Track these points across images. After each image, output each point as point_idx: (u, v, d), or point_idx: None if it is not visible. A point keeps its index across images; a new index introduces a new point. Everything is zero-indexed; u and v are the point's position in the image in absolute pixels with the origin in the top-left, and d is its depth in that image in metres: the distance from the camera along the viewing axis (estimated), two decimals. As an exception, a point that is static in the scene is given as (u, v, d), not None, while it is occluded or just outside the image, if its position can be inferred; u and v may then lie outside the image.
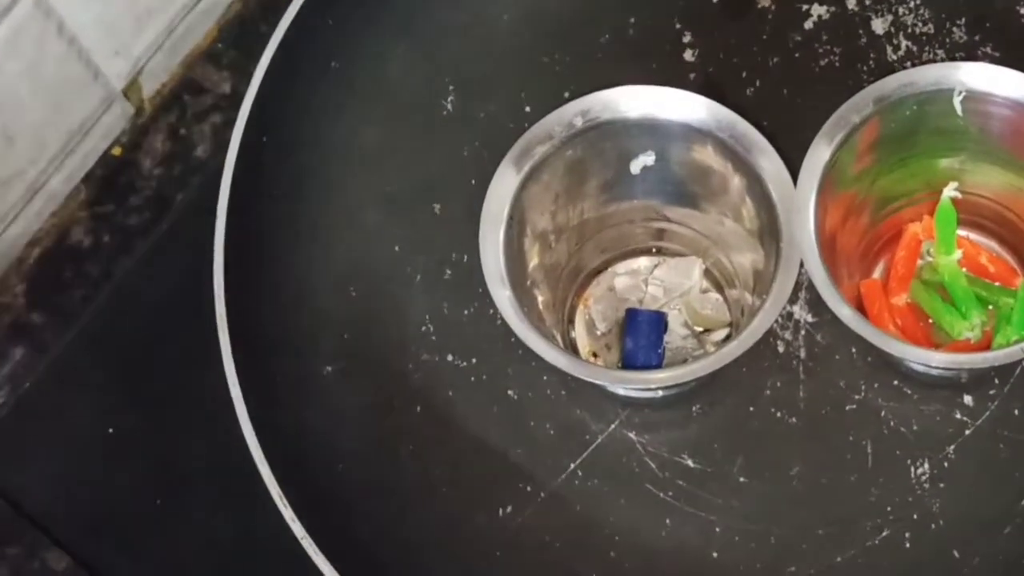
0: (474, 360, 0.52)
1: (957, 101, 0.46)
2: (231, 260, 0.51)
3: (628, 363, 0.52)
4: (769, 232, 0.47)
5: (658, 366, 0.52)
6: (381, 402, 0.51)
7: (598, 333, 0.54)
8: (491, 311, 0.50)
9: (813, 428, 0.50)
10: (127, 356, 0.55)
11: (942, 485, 0.48)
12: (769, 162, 0.47)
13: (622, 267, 0.54)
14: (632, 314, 0.53)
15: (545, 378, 0.51)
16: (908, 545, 0.48)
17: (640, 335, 0.52)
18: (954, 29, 0.52)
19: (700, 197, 0.51)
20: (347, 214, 0.54)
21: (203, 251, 0.51)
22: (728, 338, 0.52)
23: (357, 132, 0.55)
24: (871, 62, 0.53)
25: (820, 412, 0.50)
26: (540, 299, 0.51)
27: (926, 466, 0.49)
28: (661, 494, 0.49)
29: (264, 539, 0.49)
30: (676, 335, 0.53)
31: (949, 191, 0.49)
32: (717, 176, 0.49)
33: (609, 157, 0.50)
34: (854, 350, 0.50)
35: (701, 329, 0.53)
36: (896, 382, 0.49)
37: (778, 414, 0.50)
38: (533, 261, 0.50)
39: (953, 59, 0.51)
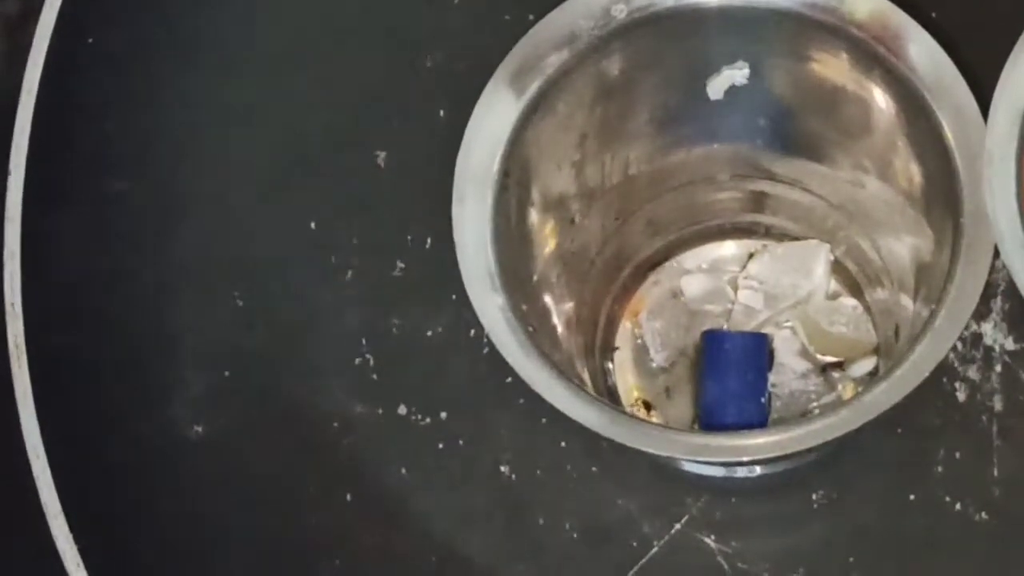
0: (443, 415, 0.54)
1: None
2: (30, 261, 0.55)
3: (707, 420, 0.55)
4: (942, 200, 0.49)
5: (759, 425, 0.54)
6: (284, 487, 0.54)
7: (654, 367, 0.56)
8: (472, 332, 0.53)
9: (1016, 529, 0.52)
10: None
11: None
12: (943, 81, 0.48)
13: (694, 258, 0.57)
14: (714, 339, 0.56)
15: (564, 445, 0.54)
16: None
17: (728, 373, 0.55)
18: None
19: (826, 141, 0.53)
20: (225, 175, 0.57)
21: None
22: (874, 374, 0.54)
23: (236, 41, 0.58)
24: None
25: None
26: (556, 311, 0.53)
27: None
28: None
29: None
30: (788, 371, 0.56)
31: None
32: (855, 105, 0.51)
33: (672, 71, 0.51)
34: (1086, 398, 0.52)
35: (830, 360, 0.55)
36: None
37: (957, 506, 0.52)
38: (545, 248, 0.52)
39: None
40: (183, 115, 0.59)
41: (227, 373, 0.56)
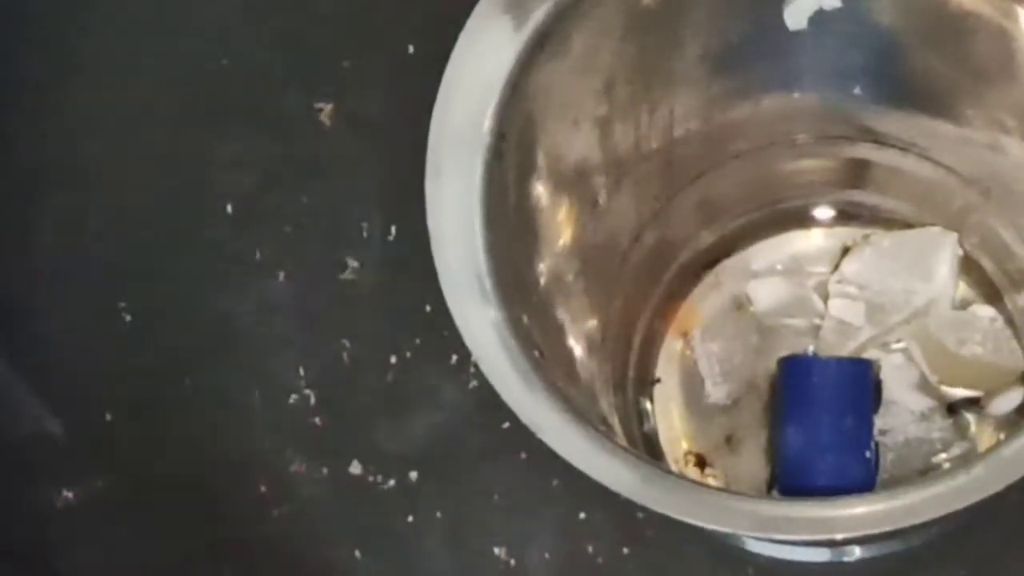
0: (412, 475, 0.53)
1: None
2: None
3: (788, 481, 0.57)
4: None
5: (863, 488, 0.52)
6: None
7: (711, 404, 0.55)
8: (453, 358, 0.53)
9: None
10: None
11: None
12: None
13: (766, 254, 0.57)
14: (797, 367, 0.57)
15: (583, 516, 0.52)
16: None
17: (817, 415, 0.56)
18: None
19: (952, 89, 0.53)
20: (109, 129, 0.57)
21: None
22: (1023, 412, 0.54)
23: None
24: None
25: None
26: (572, 328, 0.51)
27: None
28: None
29: None
30: (903, 411, 0.58)
31: None
32: (992, 38, 0.50)
33: None
34: None
35: (960, 394, 0.54)
36: None
37: None
38: (557, 239, 0.51)
39: None
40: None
41: (109, 417, 0.54)
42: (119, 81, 0.60)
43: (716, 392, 0.55)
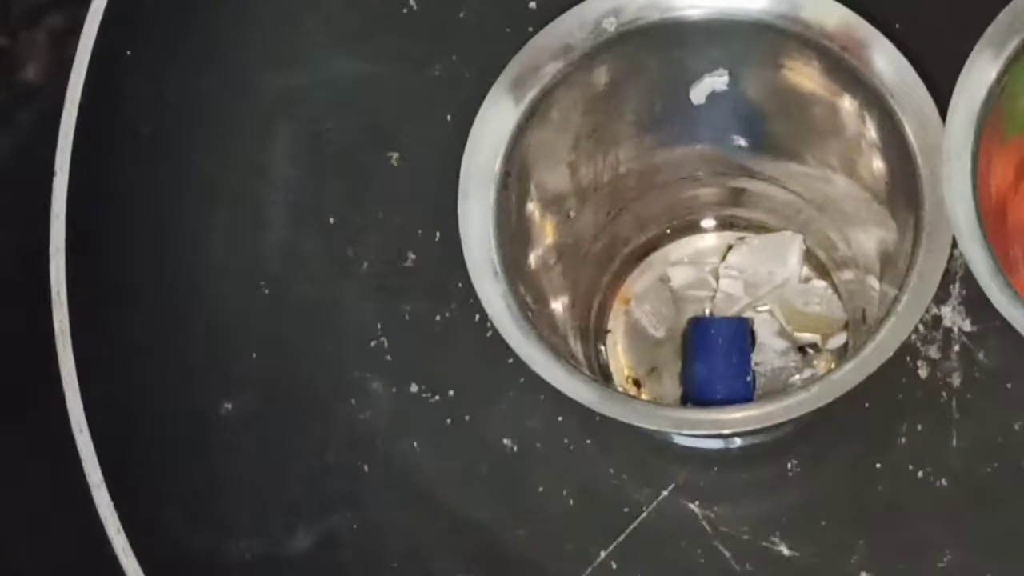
0: (451, 393, 0.56)
1: None
2: (75, 241, 0.56)
3: (696, 398, 0.57)
4: (904, 195, 0.50)
5: (745, 400, 0.56)
6: (306, 458, 0.56)
7: (645, 344, 0.58)
8: (477, 317, 0.55)
9: (973, 495, 0.54)
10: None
11: None
12: (905, 87, 0.50)
13: (678, 249, 0.59)
14: (700, 324, 0.58)
15: (560, 419, 0.55)
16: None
17: (714, 355, 0.57)
18: None
19: (798, 141, 0.54)
20: (252, 170, 0.59)
21: (35, 225, 0.56)
22: (846, 348, 0.56)
23: (265, 42, 0.61)
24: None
25: (984, 470, 0.54)
26: (553, 298, 0.55)
27: None
28: (742, 599, 0.54)
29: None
30: (769, 351, 0.58)
31: None
32: (824, 108, 0.52)
33: (658, 79, 0.53)
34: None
35: (807, 338, 0.58)
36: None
37: (920, 474, 0.54)
38: (543, 240, 0.54)
39: None
40: (216, 118, 0.60)
41: (254, 355, 0.57)
42: (264, 145, 0.61)
43: (658, 332, 0.58)
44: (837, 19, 0.50)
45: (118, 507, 0.57)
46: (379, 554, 0.56)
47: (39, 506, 0.75)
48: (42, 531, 0.77)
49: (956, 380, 0.54)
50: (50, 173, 0.57)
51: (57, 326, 0.58)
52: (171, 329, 0.59)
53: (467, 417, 0.55)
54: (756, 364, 0.57)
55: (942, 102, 0.49)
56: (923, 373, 0.54)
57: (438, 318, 0.56)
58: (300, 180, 0.59)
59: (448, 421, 0.55)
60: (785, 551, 0.53)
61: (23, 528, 0.77)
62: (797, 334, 0.58)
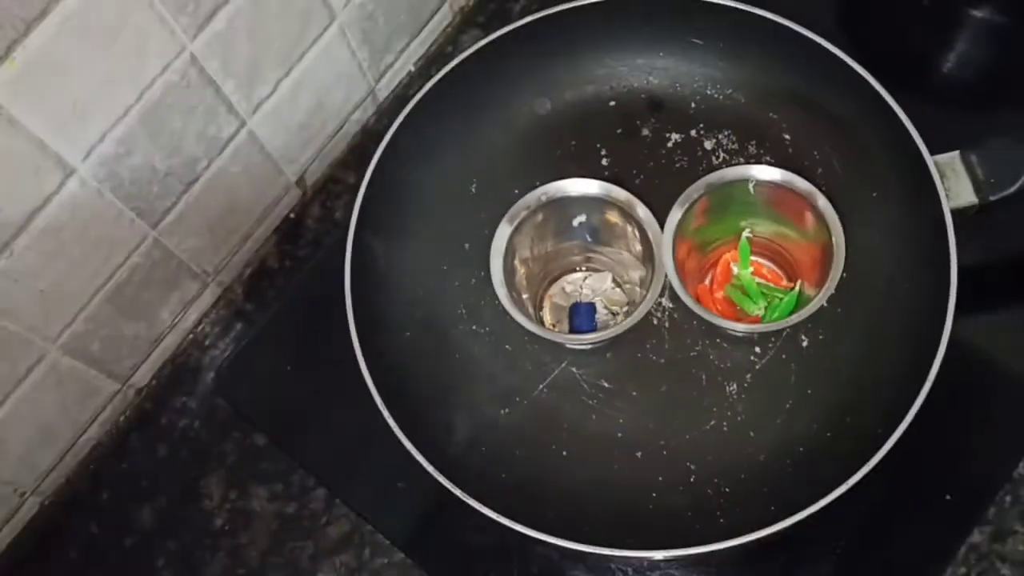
0: (487, 328, 0.75)
1: (751, 187, 0.71)
2: (356, 271, 0.70)
3: (574, 330, 0.76)
4: (648, 258, 0.72)
5: (591, 331, 0.75)
6: (440, 351, 0.74)
7: (556, 313, 0.77)
8: (497, 302, 0.72)
9: (673, 366, 0.73)
10: (301, 334, 0.83)
11: (744, 396, 0.71)
12: (647, 219, 0.71)
13: (568, 278, 0.79)
14: (575, 305, 0.77)
15: (526, 338, 0.73)
16: (725, 429, 0.71)
17: (581, 316, 0.77)
18: (748, 146, 0.76)
19: (610, 238, 0.75)
20: (424, 250, 0.76)
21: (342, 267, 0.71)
22: (630, 311, 0.72)
23: (430, 198, 0.76)
24: (704, 164, 0.77)
25: (677, 357, 0.73)
26: (524, 295, 0.74)
27: (734, 386, 0.72)
28: (590, 402, 0.72)
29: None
30: (601, 315, 0.77)
31: (746, 234, 0.76)
32: (619, 227, 0.73)
33: (560, 217, 0.74)
34: (695, 322, 0.73)
35: (615, 309, 0.77)
36: (718, 340, 0.73)
37: (653, 357, 0.73)
38: (519, 273, 0.73)
39: (748, 163, 0.74)
40: (419, 217, 0.73)
41: (417, 315, 0.71)
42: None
43: (559, 308, 0.74)
44: (624, 195, 0.69)
45: (379, 391, 0.67)
46: (470, 370, 0.66)
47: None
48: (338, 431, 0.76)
49: (667, 324, 0.70)
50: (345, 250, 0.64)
51: (351, 325, 0.66)
52: (395, 304, 0.68)
53: (492, 338, 0.71)
54: (597, 318, 0.73)
55: (662, 224, 0.67)
56: (655, 321, 0.71)
57: (483, 302, 0.72)
58: (437, 254, 0.69)
59: (487, 339, 0.71)
60: (606, 384, 0.70)
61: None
62: (610, 307, 0.73)
